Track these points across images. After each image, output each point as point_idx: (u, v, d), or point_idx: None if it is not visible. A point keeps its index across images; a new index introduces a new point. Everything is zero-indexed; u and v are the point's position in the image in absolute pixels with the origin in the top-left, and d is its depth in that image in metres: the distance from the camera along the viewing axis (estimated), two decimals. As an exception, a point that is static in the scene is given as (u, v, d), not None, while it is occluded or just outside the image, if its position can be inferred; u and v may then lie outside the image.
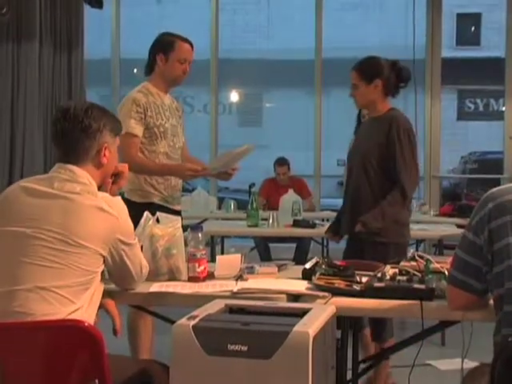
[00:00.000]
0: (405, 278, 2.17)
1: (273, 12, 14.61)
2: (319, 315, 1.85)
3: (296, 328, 1.73)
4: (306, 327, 1.73)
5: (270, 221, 4.67)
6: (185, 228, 2.50)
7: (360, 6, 14.57)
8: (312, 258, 2.46)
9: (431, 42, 7.35)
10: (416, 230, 4.68)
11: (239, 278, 2.39)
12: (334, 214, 3.58)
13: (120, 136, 2.25)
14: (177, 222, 2.46)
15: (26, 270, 1.95)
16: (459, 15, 15.62)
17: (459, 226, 4.76)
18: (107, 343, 1.85)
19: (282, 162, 6.43)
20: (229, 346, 1.73)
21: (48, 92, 5.80)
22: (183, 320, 1.80)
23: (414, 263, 2.29)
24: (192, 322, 1.78)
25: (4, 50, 5.64)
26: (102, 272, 2.08)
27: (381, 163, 3.10)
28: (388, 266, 2.32)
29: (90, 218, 2.00)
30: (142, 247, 2.29)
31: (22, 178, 2.23)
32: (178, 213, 3.24)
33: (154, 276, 2.36)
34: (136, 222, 2.29)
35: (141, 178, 3.28)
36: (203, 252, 2.39)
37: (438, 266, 2.21)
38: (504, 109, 7.59)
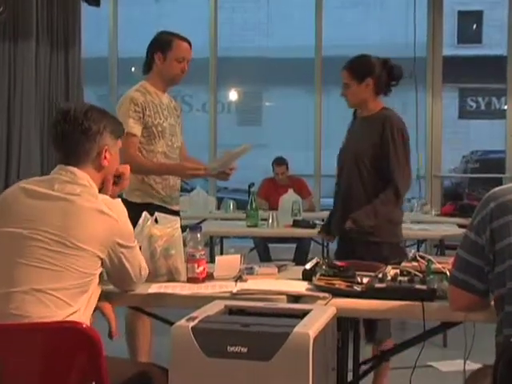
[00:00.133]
0: (406, 278, 2.16)
1: (272, 9, 14.58)
2: (320, 316, 1.84)
3: (296, 329, 1.72)
4: (307, 328, 1.72)
5: (270, 221, 4.66)
6: (184, 228, 2.49)
7: (360, 4, 14.56)
8: (312, 259, 2.46)
9: (432, 40, 7.33)
10: (417, 230, 4.69)
11: (239, 278, 2.38)
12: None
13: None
14: (175, 222, 2.45)
15: (23, 272, 1.94)
16: (460, 13, 15.59)
17: (461, 226, 4.75)
18: (105, 345, 1.84)
19: (280, 162, 6.41)
20: (228, 347, 1.72)
21: (45, 91, 5.79)
22: (182, 321, 1.79)
23: (415, 264, 2.29)
24: (191, 324, 1.77)
25: (0, 48, 5.63)
26: (101, 274, 2.07)
27: (374, 163, 3.10)
28: (389, 267, 2.31)
29: (90, 221, 1.99)
30: (140, 248, 2.28)
31: (19, 177, 2.23)
32: (176, 213, 3.23)
33: (152, 277, 2.35)
34: (134, 223, 2.27)
35: (139, 177, 3.26)
36: (202, 252, 2.38)
37: (439, 266, 2.20)
38: (506, 107, 7.57)
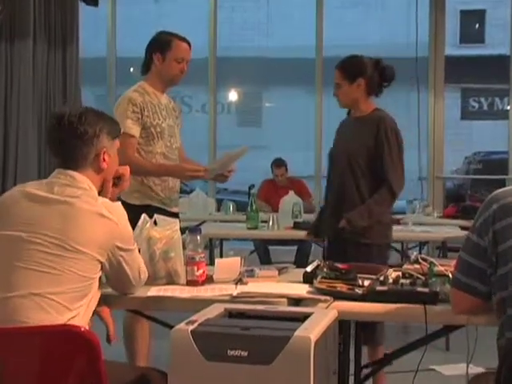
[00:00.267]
0: (408, 281, 2.15)
1: (272, 9, 14.57)
2: (321, 320, 1.83)
3: (297, 333, 1.71)
4: (308, 332, 1.71)
5: (270, 223, 4.63)
6: (183, 230, 2.48)
7: (361, 4, 14.56)
8: (313, 261, 2.45)
9: (434, 40, 7.31)
10: (419, 232, 4.67)
11: (239, 281, 2.37)
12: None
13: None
14: (175, 224, 2.43)
15: (21, 275, 1.93)
16: (463, 12, 15.56)
17: (463, 228, 4.72)
18: (103, 349, 1.84)
19: (279, 163, 6.40)
20: (228, 351, 1.71)
21: (42, 90, 5.77)
22: (182, 325, 1.78)
23: (417, 266, 2.28)
24: (191, 327, 1.76)
25: (-3, 47, 5.60)
26: (100, 277, 2.06)
27: (368, 163, 3.11)
28: (391, 270, 2.31)
29: (89, 224, 1.98)
30: (139, 250, 2.27)
31: (16, 177, 2.23)
32: (175, 215, 3.22)
33: (151, 280, 2.33)
34: (133, 225, 2.26)
35: (138, 179, 3.25)
36: (202, 255, 2.37)
37: (441, 268, 2.19)
38: (509, 108, 7.56)
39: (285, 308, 2.04)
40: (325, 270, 2.29)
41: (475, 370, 2.03)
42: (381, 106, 3.30)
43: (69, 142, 2.08)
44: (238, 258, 2.46)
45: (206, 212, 5.86)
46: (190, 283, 2.34)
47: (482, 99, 16.09)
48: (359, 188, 3.12)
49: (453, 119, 13.80)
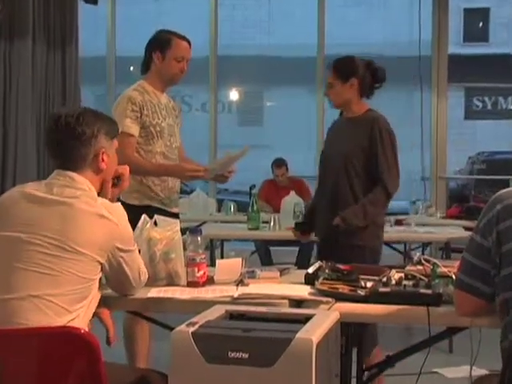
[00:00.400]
0: (411, 282, 2.15)
1: (273, 7, 14.55)
2: (323, 321, 1.82)
3: (299, 335, 1.70)
4: (309, 334, 1.70)
5: (271, 223, 4.62)
6: (183, 231, 2.47)
7: (363, 3, 14.54)
8: (315, 262, 2.44)
9: (437, 38, 7.29)
10: (422, 233, 4.66)
11: (240, 282, 2.36)
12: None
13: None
14: (175, 225, 2.42)
15: (20, 277, 1.92)
16: (466, 10, 15.52)
17: (467, 229, 4.72)
18: (103, 351, 1.83)
19: (279, 163, 6.39)
20: (229, 353, 1.70)
21: (41, 90, 5.76)
22: (182, 326, 1.77)
23: (420, 267, 2.26)
24: (191, 329, 1.75)
25: (-4, 46, 5.58)
26: (100, 278, 2.05)
27: (362, 164, 3.11)
28: (393, 271, 2.30)
29: (89, 225, 1.97)
30: (139, 251, 2.26)
31: (15, 177, 2.22)
32: (175, 215, 3.21)
33: (152, 281, 2.32)
34: (133, 226, 2.25)
35: (137, 179, 3.23)
36: (202, 256, 2.36)
37: (445, 270, 2.18)
38: (513, 107, 7.54)
39: (286, 310, 2.03)
40: (327, 271, 2.28)
41: (478, 372, 2.01)
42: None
43: (67, 143, 2.07)
44: (239, 259, 2.45)
45: (206, 212, 5.85)
46: (191, 284, 2.33)
47: (486, 98, 16.06)
48: (353, 188, 3.12)
49: (456, 119, 13.78)
